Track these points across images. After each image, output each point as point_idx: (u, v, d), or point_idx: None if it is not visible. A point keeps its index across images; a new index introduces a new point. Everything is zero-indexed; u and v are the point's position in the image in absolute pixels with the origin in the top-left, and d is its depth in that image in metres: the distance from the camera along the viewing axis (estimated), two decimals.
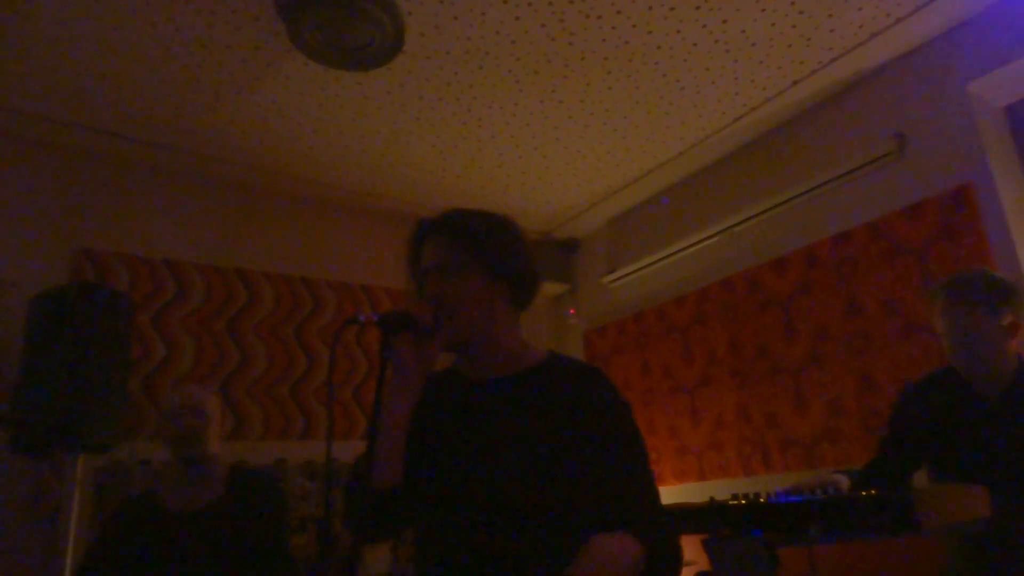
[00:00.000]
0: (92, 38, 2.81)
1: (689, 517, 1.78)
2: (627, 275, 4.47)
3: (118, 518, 2.14)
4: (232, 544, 2.01)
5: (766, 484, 3.08)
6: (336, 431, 3.86)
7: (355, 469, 1.29)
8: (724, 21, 2.89)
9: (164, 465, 3.22)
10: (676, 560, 1.21)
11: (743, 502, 1.65)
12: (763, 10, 2.84)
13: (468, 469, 1.25)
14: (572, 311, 4.95)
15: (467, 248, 1.32)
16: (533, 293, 1.40)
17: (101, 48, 2.87)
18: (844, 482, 1.83)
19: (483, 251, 1.32)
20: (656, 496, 1.28)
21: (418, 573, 1.28)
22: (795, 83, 3.35)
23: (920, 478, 2.10)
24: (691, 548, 2.80)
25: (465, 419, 1.31)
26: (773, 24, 2.93)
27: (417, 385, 1.28)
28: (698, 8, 2.80)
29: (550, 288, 4.93)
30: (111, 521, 2.15)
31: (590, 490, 1.21)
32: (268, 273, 3.93)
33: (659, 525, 1.21)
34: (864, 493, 1.43)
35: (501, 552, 1.17)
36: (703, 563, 2.93)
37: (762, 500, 1.62)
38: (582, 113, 3.48)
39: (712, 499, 1.77)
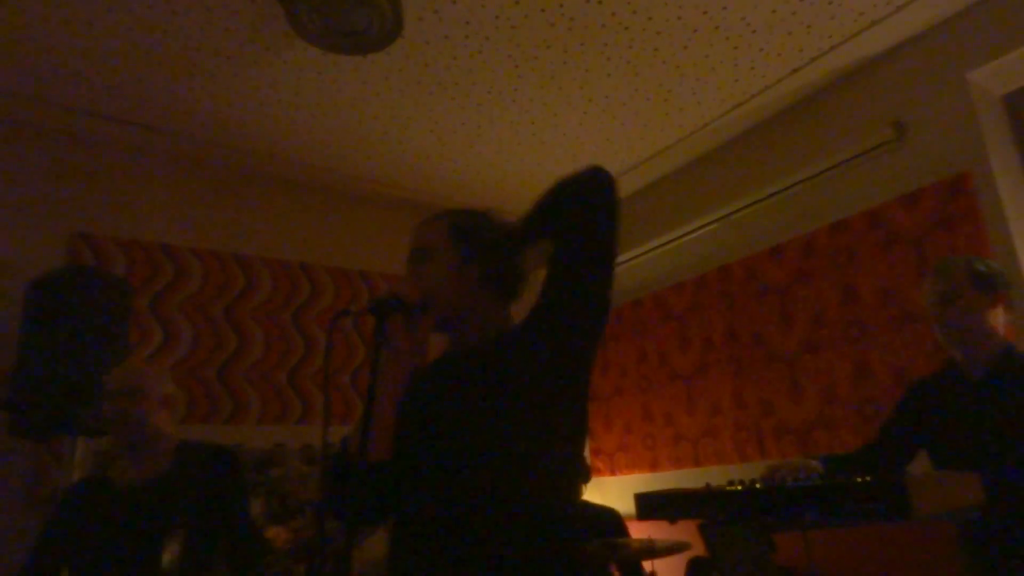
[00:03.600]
0: (88, 21, 2.78)
1: (685, 503, 1.80)
2: (625, 262, 4.47)
3: (66, 502, 2.08)
4: (182, 515, 1.95)
5: (761, 470, 3.12)
6: (334, 415, 3.87)
7: (343, 447, 1.30)
8: (725, 8, 2.87)
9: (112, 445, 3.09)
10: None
11: (739, 488, 1.67)
12: None
13: (438, 435, 1.28)
14: None
15: (443, 234, 1.39)
16: (514, 282, 1.44)
17: (97, 31, 2.84)
18: (816, 467, 1.90)
19: (458, 236, 1.39)
20: None
21: (392, 547, 1.30)
22: (795, 71, 3.34)
23: (923, 466, 2.14)
24: (687, 534, 2.82)
25: (438, 386, 1.35)
26: (774, 11, 2.92)
27: (409, 364, 1.31)
28: None
29: None
30: (60, 506, 2.08)
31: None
32: (265, 258, 3.93)
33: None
34: (859, 479, 1.44)
35: (474, 517, 1.19)
36: (699, 548, 2.96)
37: (758, 486, 1.63)
38: (581, 99, 3.47)
39: (708, 485, 1.79)
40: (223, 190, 3.92)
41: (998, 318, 1.97)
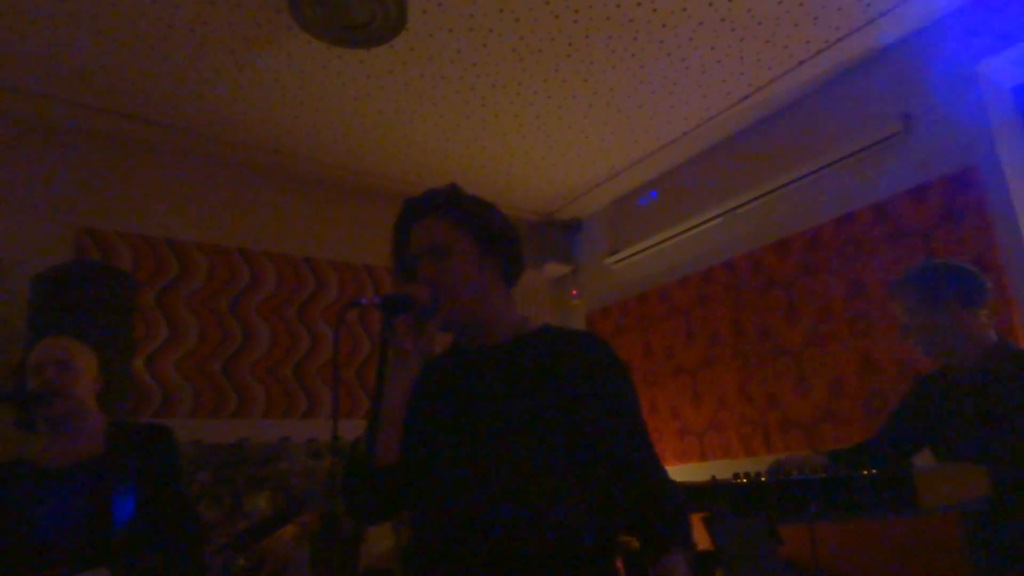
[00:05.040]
0: (92, 16, 2.78)
1: (691, 496, 1.79)
2: (630, 256, 4.46)
3: None
4: (118, 496, 1.87)
5: (767, 465, 3.12)
6: (339, 410, 3.87)
7: (353, 449, 1.30)
8: None
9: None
10: (687, 532, 1.24)
11: (744, 481, 1.66)
12: None
13: (464, 434, 1.26)
14: (575, 292, 4.95)
15: (460, 228, 1.34)
16: (521, 267, 1.43)
17: (101, 26, 2.84)
18: (822, 462, 1.91)
19: (475, 230, 1.35)
20: (654, 456, 1.30)
21: (414, 547, 1.29)
22: (801, 63, 3.32)
23: (926, 460, 2.14)
24: (692, 528, 2.81)
25: (461, 385, 1.33)
26: (780, 2, 2.89)
27: (416, 365, 1.29)
28: None
29: (552, 269, 4.92)
30: None
31: (590, 453, 1.23)
32: (270, 253, 3.93)
33: (674, 506, 1.24)
34: (865, 472, 1.44)
35: (499, 521, 1.18)
36: (704, 542, 2.94)
37: (763, 479, 1.63)
38: (586, 92, 3.46)
39: (714, 478, 1.78)
40: (228, 185, 3.91)
41: (966, 321, 1.94)
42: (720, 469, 3.63)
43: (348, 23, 2.77)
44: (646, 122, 3.78)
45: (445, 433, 1.28)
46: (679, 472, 3.90)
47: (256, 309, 3.79)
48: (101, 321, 2.70)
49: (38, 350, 2.00)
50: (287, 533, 3.19)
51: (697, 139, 3.98)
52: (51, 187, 3.40)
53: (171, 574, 1.88)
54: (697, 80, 3.41)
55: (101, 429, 2.03)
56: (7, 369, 2.94)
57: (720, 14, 2.94)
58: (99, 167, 3.55)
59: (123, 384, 2.79)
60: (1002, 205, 2.77)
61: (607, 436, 1.24)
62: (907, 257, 3.02)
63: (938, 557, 2.33)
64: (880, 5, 2.96)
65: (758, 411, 3.59)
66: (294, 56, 3.09)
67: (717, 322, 3.88)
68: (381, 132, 3.76)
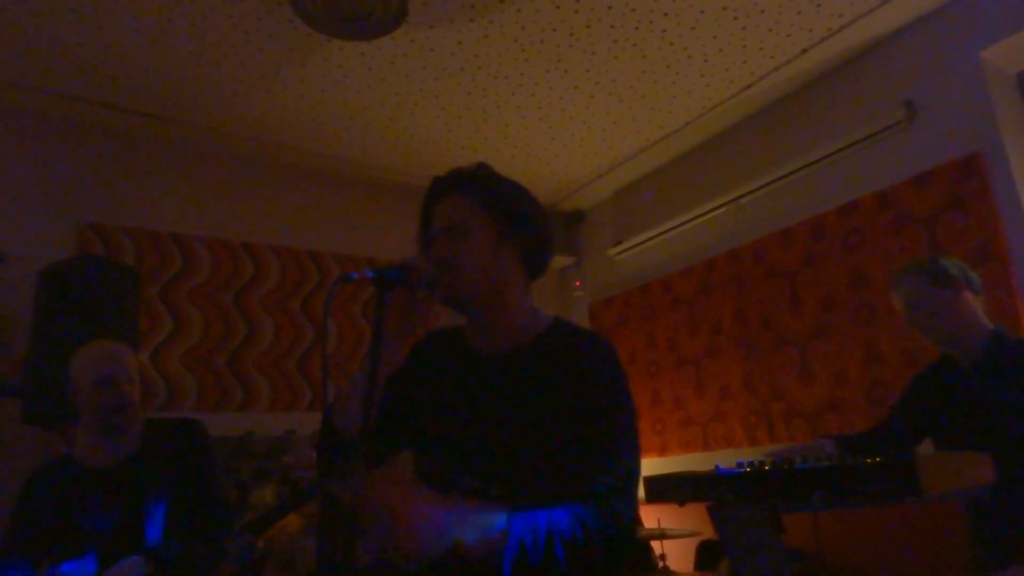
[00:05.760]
0: (94, 11, 2.78)
1: (694, 486, 1.80)
2: (633, 247, 4.45)
3: (33, 485, 2.02)
4: (156, 493, 1.95)
5: (772, 450, 3.12)
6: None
7: (328, 414, 1.30)
8: None
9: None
10: (617, 536, 1.13)
11: (748, 470, 1.66)
12: None
13: (460, 444, 1.25)
14: (578, 283, 4.95)
15: (481, 209, 1.29)
16: (546, 259, 1.37)
17: (103, 21, 2.84)
18: (830, 446, 1.94)
19: (497, 211, 1.30)
20: (622, 469, 1.18)
21: None
22: (804, 51, 3.30)
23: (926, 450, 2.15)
24: (697, 517, 2.82)
25: (464, 394, 1.30)
26: None
27: (403, 339, 1.26)
28: None
29: (555, 260, 4.92)
30: (30, 489, 2.02)
31: (564, 462, 1.17)
32: (274, 246, 3.94)
33: (613, 501, 1.13)
34: (868, 460, 1.44)
35: None
36: (708, 531, 2.95)
37: (766, 468, 1.63)
38: (588, 83, 3.45)
39: (717, 466, 1.78)
40: (231, 179, 3.92)
41: (971, 306, 2.00)
42: (724, 459, 3.64)
43: (349, 15, 2.76)
44: (648, 112, 3.77)
45: (448, 437, 1.27)
46: (682, 463, 3.91)
47: (260, 302, 3.80)
48: (105, 315, 2.71)
49: (110, 364, 2.03)
50: (293, 525, 3.21)
51: (700, 129, 3.97)
52: (55, 182, 3.41)
53: (199, 561, 1.93)
54: (700, 69, 3.39)
55: (140, 428, 2.11)
56: (12, 363, 2.96)
57: (722, 3, 2.92)
58: (102, 162, 3.55)
59: None
60: (1007, 192, 2.76)
61: (585, 450, 1.17)
62: (911, 246, 3.01)
63: (941, 544, 2.34)
64: None
65: (761, 401, 3.59)
66: (295, 49, 3.08)
67: (720, 312, 3.88)
68: (382, 124, 3.75)
